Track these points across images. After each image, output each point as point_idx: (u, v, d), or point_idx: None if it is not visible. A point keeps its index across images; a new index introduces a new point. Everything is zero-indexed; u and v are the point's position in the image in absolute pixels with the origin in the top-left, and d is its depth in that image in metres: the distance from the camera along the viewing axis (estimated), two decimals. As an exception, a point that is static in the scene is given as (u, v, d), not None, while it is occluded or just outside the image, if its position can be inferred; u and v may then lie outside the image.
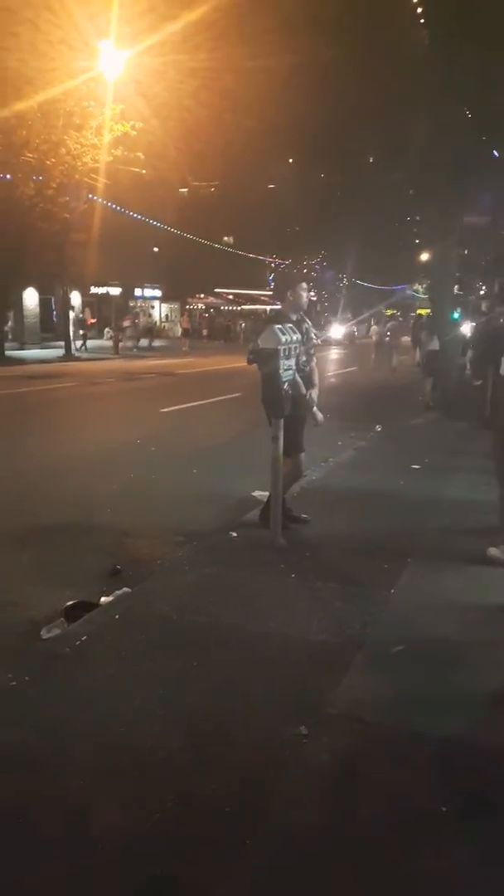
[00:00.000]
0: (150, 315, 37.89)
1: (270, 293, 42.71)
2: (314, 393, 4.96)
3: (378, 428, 9.67)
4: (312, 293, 43.05)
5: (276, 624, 3.44)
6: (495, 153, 12.93)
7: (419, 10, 11.52)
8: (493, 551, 4.30)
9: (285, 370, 4.44)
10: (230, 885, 1.87)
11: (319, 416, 4.97)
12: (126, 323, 30.80)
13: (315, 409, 4.93)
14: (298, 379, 4.69)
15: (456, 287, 18.55)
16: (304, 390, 4.76)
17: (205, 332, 34.93)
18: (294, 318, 4.87)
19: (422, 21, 11.62)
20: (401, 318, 33.60)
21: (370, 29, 11.90)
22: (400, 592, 3.87)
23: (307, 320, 5.12)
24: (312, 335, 5.10)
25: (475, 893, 1.89)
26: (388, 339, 22.66)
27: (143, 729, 2.54)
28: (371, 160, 26.59)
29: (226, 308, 44.23)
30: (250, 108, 19.20)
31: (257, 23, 15.49)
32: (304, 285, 5.05)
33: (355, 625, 3.43)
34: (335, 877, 1.92)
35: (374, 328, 29.24)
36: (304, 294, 4.99)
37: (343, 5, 11.74)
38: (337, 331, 37.55)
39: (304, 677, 2.94)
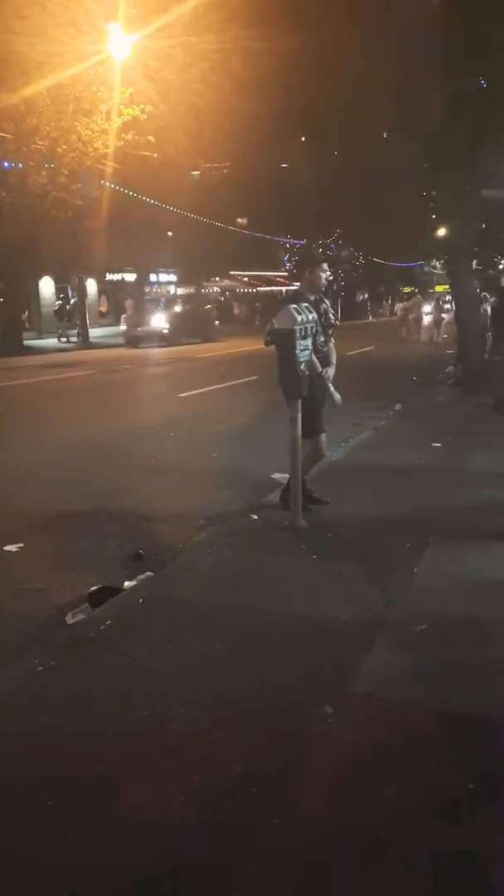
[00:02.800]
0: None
1: (286, 274, 42.36)
2: (331, 371, 4.92)
3: (398, 406, 9.59)
4: (329, 273, 42.29)
5: (298, 605, 3.44)
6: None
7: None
8: (517, 528, 4.26)
9: (301, 350, 4.40)
10: (258, 864, 1.88)
11: (337, 396, 4.93)
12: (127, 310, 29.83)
13: (332, 388, 4.90)
14: (315, 359, 4.65)
15: (475, 262, 18.25)
16: (319, 369, 4.72)
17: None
18: (312, 298, 4.82)
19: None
20: (419, 294, 33.44)
21: (380, 1, 11.63)
22: (423, 571, 3.84)
23: (325, 300, 5.06)
24: (331, 315, 5.05)
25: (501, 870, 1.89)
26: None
27: (169, 711, 2.56)
28: (385, 135, 26.14)
29: (241, 290, 43.97)
30: (260, 88, 18.92)
31: (265, 2, 15.19)
32: (324, 265, 4.99)
33: (378, 604, 3.42)
34: (362, 857, 1.93)
35: (399, 305, 30.04)
36: (323, 274, 4.93)
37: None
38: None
39: (328, 657, 2.94)
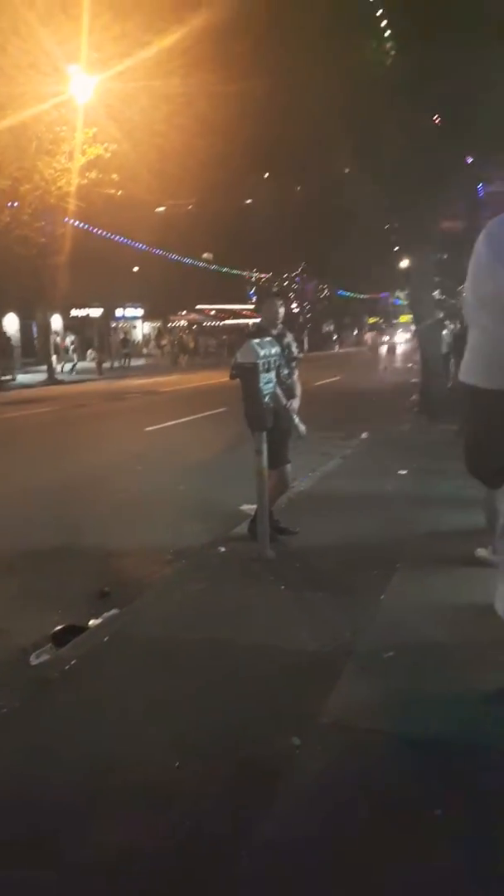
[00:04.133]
0: (126, 334, 37.95)
1: (252, 307, 42.89)
2: (295, 403, 4.98)
3: (364, 435, 9.70)
4: (294, 305, 43.15)
5: (266, 636, 3.43)
6: (468, 159, 13.10)
7: (384, 23, 11.70)
8: (481, 552, 4.31)
9: (265, 384, 4.45)
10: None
11: (302, 427, 4.99)
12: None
13: (297, 420, 4.95)
14: (279, 391, 4.71)
15: (437, 292, 18.71)
16: (284, 401, 4.78)
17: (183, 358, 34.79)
18: (274, 332, 4.90)
19: (387, 34, 11.79)
20: (383, 325, 34.39)
21: (338, 46, 12.05)
22: (390, 598, 3.87)
23: (288, 334, 5.15)
24: (294, 349, 5.13)
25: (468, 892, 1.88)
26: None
27: (136, 749, 2.52)
28: (346, 171, 26.88)
29: (209, 324, 44.34)
30: (224, 129, 19.34)
31: (228, 49, 15.64)
32: (278, 300, 5.10)
33: (346, 633, 3.42)
34: (332, 886, 1.90)
35: (368, 335, 31.54)
36: (280, 309, 5.04)
37: (310, 26, 11.89)
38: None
39: (296, 688, 2.93)
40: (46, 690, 2.98)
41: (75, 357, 29.30)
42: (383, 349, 26.27)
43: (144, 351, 37.89)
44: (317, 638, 3.38)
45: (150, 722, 2.69)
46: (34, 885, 1.92)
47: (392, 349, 26.47)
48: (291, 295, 42.17)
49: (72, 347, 29.91)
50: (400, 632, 3.42)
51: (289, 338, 5.09)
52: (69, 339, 30.58)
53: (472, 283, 1.01)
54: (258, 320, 5.25)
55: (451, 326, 13.67)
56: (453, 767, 2.37)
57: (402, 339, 29.36)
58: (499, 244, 1.00)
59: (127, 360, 31.63)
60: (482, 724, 2.61)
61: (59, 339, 31.06)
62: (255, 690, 2.92)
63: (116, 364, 31.09)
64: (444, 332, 13.44)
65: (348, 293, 48.83)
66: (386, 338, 32.56)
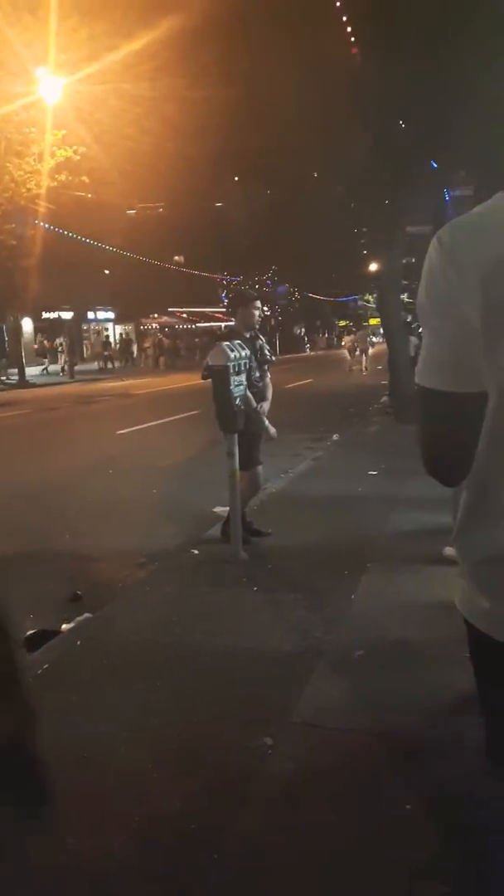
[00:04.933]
0: (100, 336, 37.91)
1: (224, 310, 42.95)
2: (266, 406, 5.02)
3: (335, 437, 9.79)
4: (266, 309, 43.31)
5: (239, 638, 3.46)
6: (433, 163, 13.31)
7: (349, 28, 11.85)
8: (448, 550, 4.39)
9: (236, 386, 4.49)
10: (199, 900, 1.87)
11: (272, 430, 5.03)
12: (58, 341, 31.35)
13: (267, 423, 4.99)
14: (249, 394, 4.74)
15: (405, 295, 18.93)
16: (254, 404, 4.82)
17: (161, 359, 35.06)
18: (247, 335, 4.93)
19: (352, 39, 11.94)
20: (353, 329, 34.81)
21: (305, 52, 12.17)
22: (360, 597, 3.93)
23: (261, 337, 5.19)
24: (266, 352, 5.16)
25: (438, 889, 1.93)
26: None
27: (108, 752, 2.53)
28: (315, 174, 27.12)
29: (180, 327, 44.27)
30: (193, 132, 19.35)
31: (197, 54, 15.68)
32: (257, 304, 5.11)
33: (317, 633, 3.47)
34: (303, 885, 1.94)
35: (346, 338, 31.88)
36: (256, 312, 5.05)
37: (278, 33, 12.01)
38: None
39: (268, 688, 2.96)
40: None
41: (62, 359, 29.37)
42: (367, 353, 26.38)
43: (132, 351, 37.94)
44: (289, 638, 3.42)
45: (122, 725, 2.70)
46: None
47: (364, 352, 26.63)
48: (261, 298, 42.20)
49: (60, 348, 29.99)
50: (370, 631, 3.48)
51: (261, 341, 5.13)
52: (58, 340, 30.70)
53: (424, 287, 1.07)
54: (232, 323, 5.27)
55: (420, 331, 13.84)
56: (423, 764, 2.43)
57: (374, 342, 29.65)
58: (449, 245, 1.05)
59: (110, 363, 31.70)
60: (452, 722, 2.67)
61: (46, 341, 31.11)
62: (228, 691, 2.95)
63: (101, 365, 31.18)
64: (413, 336, 13.62)
65: (318, 296, 49.15)
66: (375, 339, 32.56)
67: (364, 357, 26.60)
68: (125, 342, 37.47)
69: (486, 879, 1.86)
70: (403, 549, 4.71)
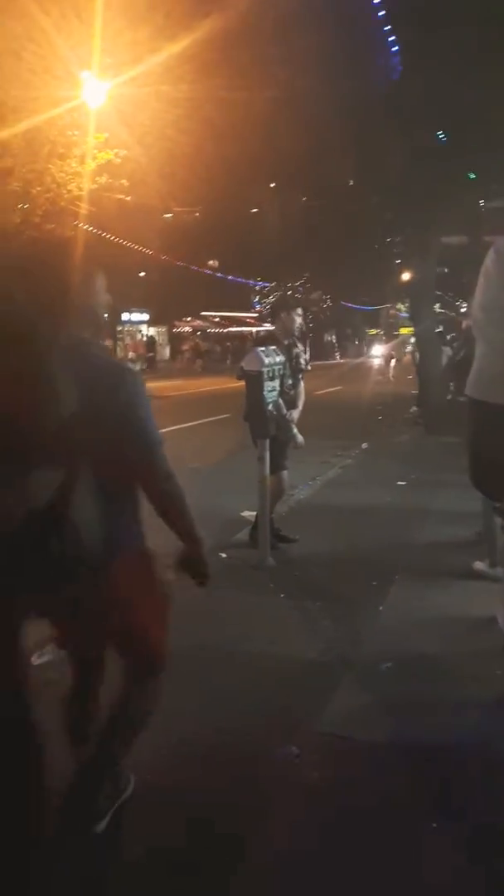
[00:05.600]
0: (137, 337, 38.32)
1: (256, 315, 43.01)
2: (295, 414, 5.02)
3: (364, 445, 9.74)
4: (302, 317, 42.86)
5: (265, 644, 3.46)
6: (471, 175, 13.21)
7: (391, 38, 11.84)
8: (478, 565, 4.35)
9: (269, 391, 4.50)
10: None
11: (300, 438, 5.02)
12: None
13: (295, 430, 4.98)
14: (281, 401, 4.75)
15: (437, 305, 18.80)
16: (285, 411, 4.82)
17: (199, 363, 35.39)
18: (286, 342, 4.94)
19: (394, 49, 11.93)
20: (384, 337, 34.68)
21: (345, 58, 12.20)
22: (388, 609, 3.90)
23: (298, 345, 5.19)
24: (302, 361, 5.16)
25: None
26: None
27: (134, 756, 2.54)
28: (350, 183, 27.09)
29: (211, 331, 44.46)
30: (232, 136, 19.48)
31: (237, 57, 15.80)
32: (299, 311, 5.11)
33: (344, 643, 3.45)
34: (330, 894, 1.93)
35: (379, 348, 32.08)
36: (297, 319, 5.06)
37: (319, 37, 12.06)
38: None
39: (294, 697, 2.95)
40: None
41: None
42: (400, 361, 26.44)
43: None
44: (315, 647, 3.41)
45: (148, 729, 2.71)
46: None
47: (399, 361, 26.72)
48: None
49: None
50: (398, 643, 3.45)
51: (298, 349, 5.13)
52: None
53: (481, 298, 1.05)
54: (270, 328, 5.28)
55: (451, 340, 13.74)
56: (450, 778, 2.40)
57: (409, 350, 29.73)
58: None
59: (149, 363, 32.18)
60: (481, 736, 2.64)
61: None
62: (254, 699, 2.94)
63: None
64: (444, 346, 13.51)
65: (350, 304, 48.99)
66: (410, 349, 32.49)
67: (391, 365, 26.71)
68: (148, 344, 37.68)
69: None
70: (433, 562, 4.67)
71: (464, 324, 14.22)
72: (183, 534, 2.21)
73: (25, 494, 1.62)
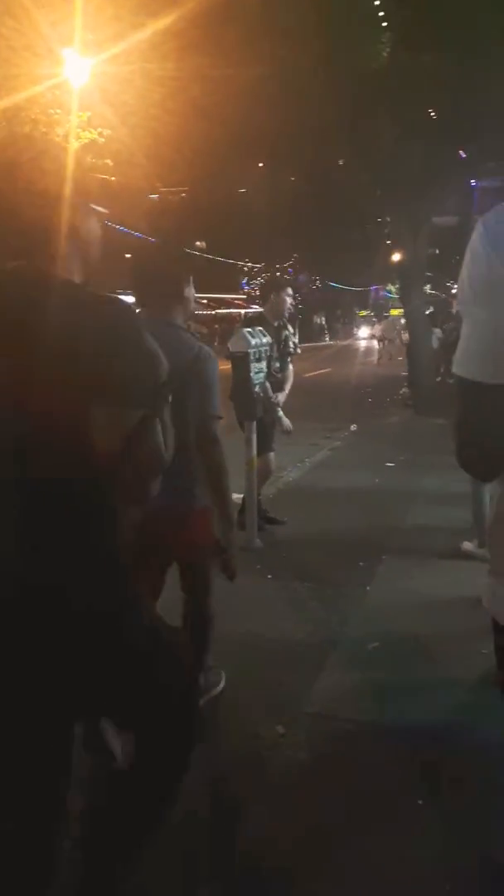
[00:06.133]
0: None
1: (244, 297, 42.80)
2: (281, 397, 4.98)
3: (353, 427, 9.74)
4: (292, 298, 42.67)
5: (252, 625, 3.45)
6: (462, 153, 13.11)
7: (381, 13, 11.65)
8: (466, 545, 4.36)
9: (256, 373, 4.46)
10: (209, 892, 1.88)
11: (286, 422, 4.99)
12: None
13: (281, 414, 4.95)
14: (268, 383, 4.71)
15: (428, 287, 18.73)
16: (270, 394, 4.78)
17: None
18: (275, 323, 4.88)
19: (384, 25, 11.75)
20: (374, 318, 34.63)
21: (334, 35, 11.99)
22: (375, 589, 3.90)
23: (288, 328, 5.13)
24: (291, 344, 5.11)
25: (446, 880, 1.92)
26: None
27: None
28: (340, 162, 26.85)
29: (201, 313, 44.23)
30: (218, 115, 19.19)
31: (223, 33, 15.51)
32: (289, 291, 5.05)
33: (331, 623, 3.45)
34: (314, 872, 1.94)
35: (377, 327, 32.01)
36: (288, 300, 4.99)
37: (307, 13, 11.83)
38: None
39: (280, 677, 2.95)
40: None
41: None
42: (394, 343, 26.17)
43: None
44: (303, 628, 3.41)
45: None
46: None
47: (391, 342, 26.50)
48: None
49: None
50: (384, 623, 3.46)
51: (288, 331, 5.08)
52: None
53: (467, 275, 1.03)
54: (260, 309, 5.21)
55: (441, 321, 13.72)
56: (436, 757, 2.41)
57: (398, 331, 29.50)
58: (494, 235, 1.01)
59: None
60: (465, 715, 2.65)
61: None
62: (241, 679, 2.94)
63: None
64: (435, 327, 13.48)
65: (339, 285, 48.83)
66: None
67: (382, 345, 26.57)
68: None
69: (494, 875, 1.85)
70: (420, 543, 4.67)
71: (454, 304, 14.19)
72: (218, 509, 2.48)
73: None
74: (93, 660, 1.32)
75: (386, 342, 26.79)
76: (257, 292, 36.82)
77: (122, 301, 1.39)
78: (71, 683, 1.32)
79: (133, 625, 1.43)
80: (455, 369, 1.08)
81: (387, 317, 40.97)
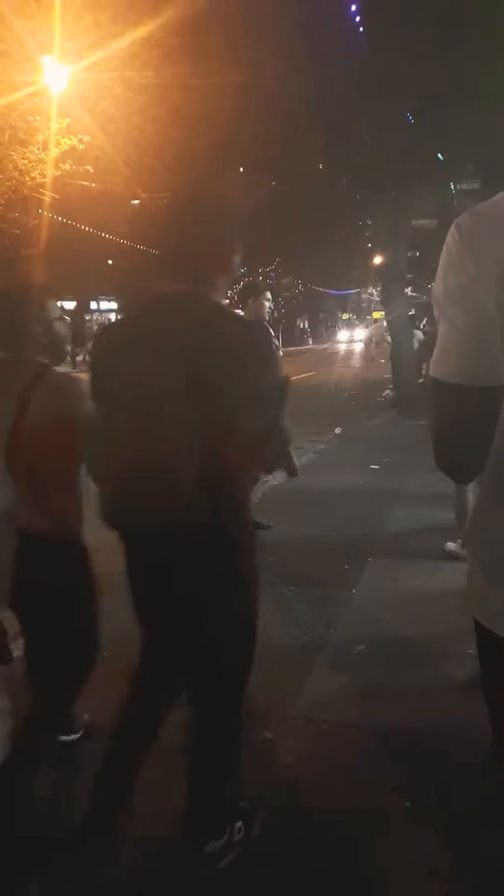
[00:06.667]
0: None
1: (226, 301, 42.82)
2: None
3: (337, 430, 9.76)
4: (271, 301, 42.77)
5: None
6: (440, 156, 13.23)
7: (358, 18, 11.75)
8: (450, 546, 4.38)
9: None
10: None
11: None
12: None
13: None
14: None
15: (409, 289, 18.85)
16: None
17: None
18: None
19: (360, 29, 11.85)
20: (356, 322, 34.85)
21: (311, 39, 12.10)
22: (361, 592, 3.91)
23: (271, 331, 5.14)
24: (273, 346, 5.11)
25: (435, 883, 1.92)
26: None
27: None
28: (320, 167, 27.00)
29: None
30: (199, 121, 19.26)
31: (203, 42, 15.58)
32: (267, 295, 5.06)
33: (318, 626, 3.45)
34: (301, 878, 1.93)
35: (346, 333, 32.29)
36: (267, 304, 5.00)
37: (284, 19, 11.94)
38: None
39: (267, 682, 2.91)
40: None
41: None
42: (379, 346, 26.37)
43: None
44: (289, 632, 3.41)
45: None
46: None
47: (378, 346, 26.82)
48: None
49: None
50: (371, 625, 3.46)
51: (270, 335, 5.08)
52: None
53: (442, 276, 1.03)
54: (240, 314, 5.20)
55: (424, 323, 13.82)
56: (424, 760, 2.41)
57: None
58: (468, 235, 1.02)
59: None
60: (452, 717, 2.65)
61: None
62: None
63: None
64: (417, 330, 13.58)
65: (321, 289, 49.03)
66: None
67: (368, 349, 26.93)
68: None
69: (485, 874, 1.85)
70: (405, 544, 4.69)
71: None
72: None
73: None
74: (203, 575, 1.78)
75: (373, 345, 27.14)
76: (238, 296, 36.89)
77: (259, 322, 1.77)
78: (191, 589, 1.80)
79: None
80: (431, 371, 1.08)
81: (369, 319, 41.16)
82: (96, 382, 1.80)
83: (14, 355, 2.13)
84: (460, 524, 4.35)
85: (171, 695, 2.03)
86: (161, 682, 2.03)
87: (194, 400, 1.57)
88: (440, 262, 1.07)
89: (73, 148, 17.87)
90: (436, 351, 1.07)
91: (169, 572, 1.78)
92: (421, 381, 11.32)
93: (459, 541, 4.35)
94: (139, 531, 1.77)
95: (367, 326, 33.89)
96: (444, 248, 1.07)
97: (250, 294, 5.09)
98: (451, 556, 4.29)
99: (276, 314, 43.16)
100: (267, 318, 5.06)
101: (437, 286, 1.07)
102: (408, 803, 2.19)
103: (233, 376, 1.58)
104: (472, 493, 4.20)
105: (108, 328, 2.05)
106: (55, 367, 2.17)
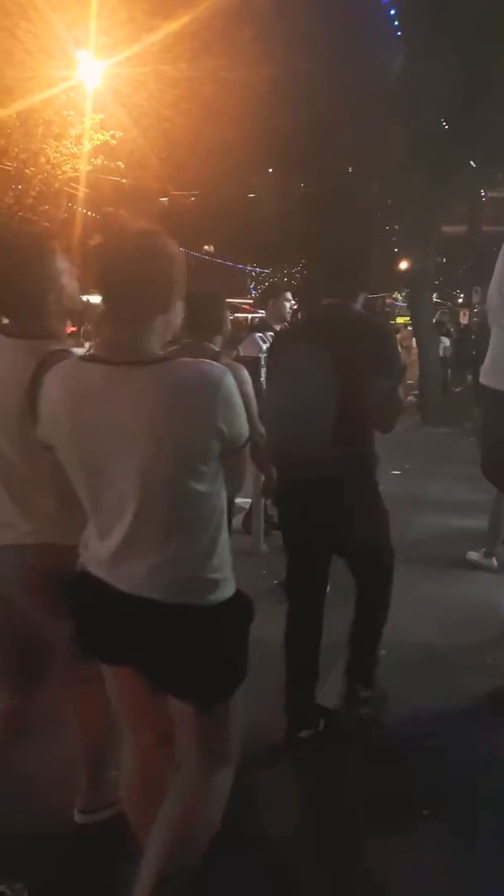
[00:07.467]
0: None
1: (251, 301, 42.85)
2: None
3: (359, 434, 9.74)
4: (293, 302, 42.54)
5: (258, 631, 3.40)
6: (472, 163, 13.14)
7: (396, 23, 11.71)
8: (472, 555, 4.35)
9: (266, 378, 4.47)
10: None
11: None
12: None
13: None
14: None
15: (435, 295, 18.74)
16: None
17: None
18: (277, 327, 4.89)
19: (398, 34, 11.81)
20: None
21: (348, 42, 12.07)
22: (381, 597, 3.89)
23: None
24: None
25: (452, 890, 1.91)
26: None
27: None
28: (350, 170, 26.89)
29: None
30: (230, 118, 19.26)
31: (237, 35, 15.59)
32: (287, 295, 5.06)
33: (337, 630, 3.43)
34: (319, 879, 1.93)
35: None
36: (287, 304, 5.00)
37: (321, 19, 11.91)
38: None
39: (281, 683, 2.94)
40: None
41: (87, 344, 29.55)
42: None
43: None
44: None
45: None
46: None
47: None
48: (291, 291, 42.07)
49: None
50: (390, 632, 3.43)
51: None
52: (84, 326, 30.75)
53: (498, 283, 1.02)
54: (262, 314, 5.23)
55: (447, 332, 13.73)
56: (441, 768, 2.40)
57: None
58: None
59: None
60: (470, 725, 2.64)
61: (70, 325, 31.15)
62: (245, 685, 2.92)
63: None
64: (443, 336, 13.50)
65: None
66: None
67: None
68: None
69: (500, 885, 1.84)
70: (426, 551, 4.67)
71: (462, 316, 14.19)
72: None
73: None
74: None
75: (402, 349, 26.85)
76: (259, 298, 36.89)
77: (388, 324, 2.09)
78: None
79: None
80: (484, 379, 1.08)
81: (393, 324, 40.90)
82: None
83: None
84: (492, 533, 4.32)
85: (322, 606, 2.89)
86: (318, 592, 2.96)
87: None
88: (496, 269, 1.07)
89: (105, 143, 17.99)
90: (490, 359, 1.07)
91: (335, 487, 2.65)
92: (458, 389, 11.21)
93: (483, 550, 4.33)
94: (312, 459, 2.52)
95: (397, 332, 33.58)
96: (500, 254, 1.07)
97: (271, 295, 5.10)
98: (473, 566, 4.27)
99: (299, 315, 43.21)
100: (288, 318, 5.06)
101: (491, 292, 1.06)
102: (425, 811, 2.18)
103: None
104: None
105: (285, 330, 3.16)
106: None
